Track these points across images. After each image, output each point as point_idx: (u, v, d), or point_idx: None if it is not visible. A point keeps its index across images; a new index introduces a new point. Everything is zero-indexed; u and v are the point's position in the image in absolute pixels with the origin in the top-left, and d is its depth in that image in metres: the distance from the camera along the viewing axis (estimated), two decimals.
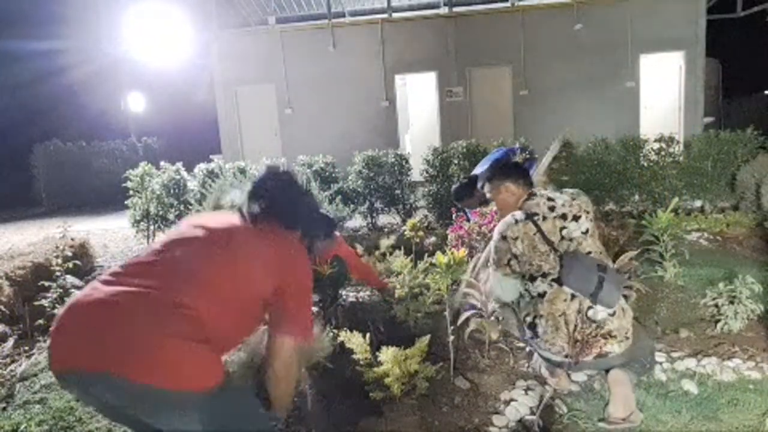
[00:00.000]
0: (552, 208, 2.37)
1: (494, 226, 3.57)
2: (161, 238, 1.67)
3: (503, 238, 2.40)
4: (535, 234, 2.33)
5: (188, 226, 1.66)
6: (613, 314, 2.24)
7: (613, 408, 2.22)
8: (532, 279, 2.33)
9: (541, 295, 2.31)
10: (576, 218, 2.34)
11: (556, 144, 3.26)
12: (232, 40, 11.17)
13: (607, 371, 2.30)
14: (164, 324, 1.37)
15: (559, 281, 2.27)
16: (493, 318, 2.73)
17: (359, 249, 4.36)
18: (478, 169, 5.07)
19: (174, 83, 15.29)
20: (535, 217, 2.35)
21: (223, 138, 11.56)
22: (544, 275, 2.30)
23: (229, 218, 1.69)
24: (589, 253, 2.30)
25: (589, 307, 2.24)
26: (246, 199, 1.68)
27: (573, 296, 2.25)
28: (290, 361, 1.61)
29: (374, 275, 3.64)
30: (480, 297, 2.77)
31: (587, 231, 2.34)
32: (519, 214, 2.40)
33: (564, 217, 2.35)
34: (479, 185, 2.77)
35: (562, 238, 2.32)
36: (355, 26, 11.06)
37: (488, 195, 2.69)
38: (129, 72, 15.70)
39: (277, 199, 1.70)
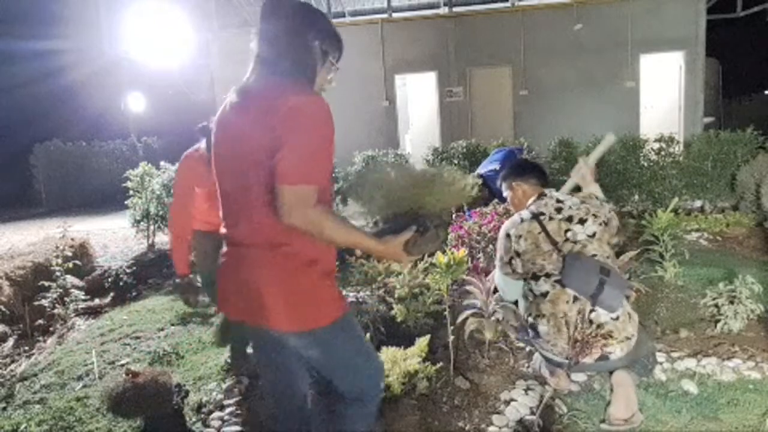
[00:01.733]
0: (559, 210, 2.38)
1: (494, 226, 3.57)
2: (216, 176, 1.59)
3: (507, 236, 2.43)
4: (539, 233, 2.34)
5: (216, 156, 1.58)
6: (616, 318, 2.23)
7: (615, 409, 2.22)
8: (536, 278, 2.33)
9: (543, 295, 2.31)
10: (582, 221, 2.34)
11: (609, 137, 3.04)
12: (233, 40, 11.16)
13: (610, 372, 2.30)
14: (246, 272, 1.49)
15: (561, 283, 2.27)
16: (493, 318, 2.73)
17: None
18: (482, 169, 5.08)
19: (174, 83, 15.27)
20: (541, 217, 2.37)
21: None
22: (547, 275, 2.30)
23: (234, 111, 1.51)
24: (594, 256, 2.30)
25: (592, 310, 2.24)
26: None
27: (576, 298, 2.25)
28: (296, 207, 1.34)
29: None
30: (480, 296, 2.77)
31: (594, 234, 2.33)
32: (525, 213, 2.43)
33: (570, 219, 2.35)
34: (498, 182, 2.81)
35: (567, 239, 2.32)
36: (355, 26, 11.06)
37: (504, 193, 2.72)
38: (129, 72, 15.69)
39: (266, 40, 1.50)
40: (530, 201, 2.50)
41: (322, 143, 1.40)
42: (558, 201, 2.43)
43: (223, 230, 1.58)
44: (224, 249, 1.58)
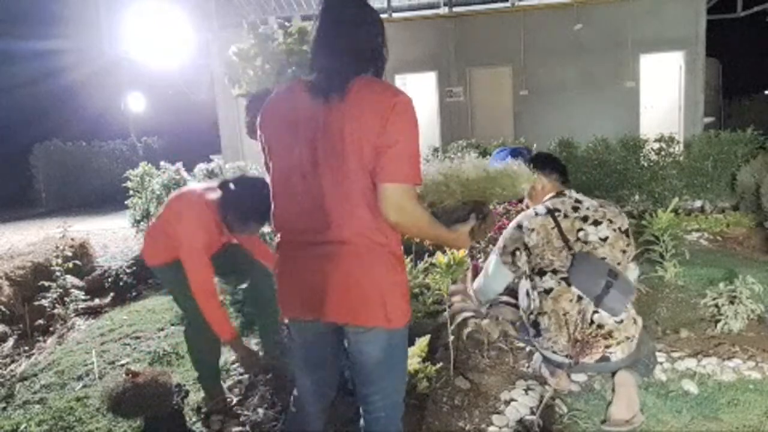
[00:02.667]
0: (576, 209, 2.38)
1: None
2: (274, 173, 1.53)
3: (518, 227, 2.41)
4: (552, 228, 2.33)
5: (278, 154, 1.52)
6: (620, 322, 2.23)
7: (616, 409, 2.21)
8: (541, 274, 2.32)
9: (547, 291, 2.30)
10: (596, 223, 2.33)
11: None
12: (232, 40, 11.13)
13: (613, 373, 2.30)
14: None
15: (567, 281, 2.26)
16: (487, 319, 2.72)
17: None
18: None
19: (174, 83, 15.28)
20: (557, 213, 2.36)
21: (223, 138, 11.56)
22: (554, 271, 2.29)
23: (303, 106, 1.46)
24: (604, 259, 2.29)
25: (595, 312, 2.23)
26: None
27: (579, 298, 2.24)
28: (403, 205, 1.38)
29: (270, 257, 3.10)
30: (472, 301, 2.76)
31: (606, 239, 2.32)
32: (540, 208, 2.42)
33: (585, 219, 2.34)
34: None
35: (578, 239, 2.31)
36: None
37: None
38: (129, 72, 15.70)
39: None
40: (548, 197, 2.48)
41: (418, 142, 1.43)
42: (577, 201, 2.42)
43: (298, 229, 1.52)
44: (296, 249, 1.52)
